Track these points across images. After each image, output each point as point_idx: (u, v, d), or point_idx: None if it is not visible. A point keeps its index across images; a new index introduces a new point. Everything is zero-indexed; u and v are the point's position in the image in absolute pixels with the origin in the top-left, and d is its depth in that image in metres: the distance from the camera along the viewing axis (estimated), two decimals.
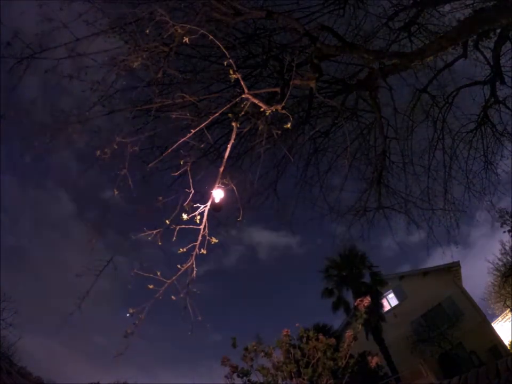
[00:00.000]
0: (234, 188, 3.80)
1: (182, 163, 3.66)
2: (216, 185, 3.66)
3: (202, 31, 3.41)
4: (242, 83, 3.32)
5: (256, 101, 3.51)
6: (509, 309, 23.99)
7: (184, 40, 3.50)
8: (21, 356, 20.65)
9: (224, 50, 3.34)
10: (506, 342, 20.40)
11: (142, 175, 5.24)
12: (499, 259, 24.09)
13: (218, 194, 3.63)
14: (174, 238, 3.53)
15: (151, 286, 3.37)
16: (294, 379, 4.79)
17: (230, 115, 4.04)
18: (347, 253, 22.86)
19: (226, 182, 3.71)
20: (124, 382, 24.54)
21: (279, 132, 4.34)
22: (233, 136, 3.74)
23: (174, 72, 4.36)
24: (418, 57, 5.19)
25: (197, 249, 3.65)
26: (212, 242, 3.63)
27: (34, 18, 3.94)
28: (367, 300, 4.73)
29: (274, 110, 3.54)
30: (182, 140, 3.64)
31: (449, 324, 21.08)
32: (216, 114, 3.81)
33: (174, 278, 3.56)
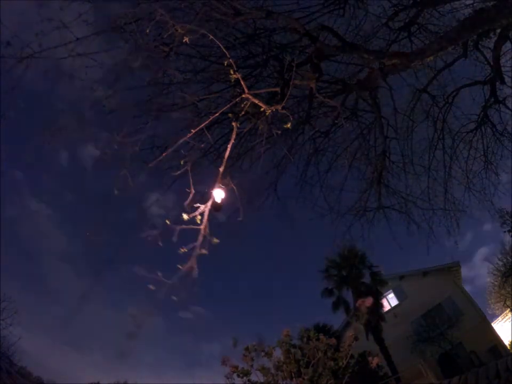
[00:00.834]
0: (234, 187, 3.80)
1: (182, 163, 3.66)
2: (216, 185, 3.66)
3: (202, 31, 3.41)
4: (242, 83, 3.32)
5: (256, 101, 3.51)
6: (509, 309, 23.99)
7: (184, 40, 3.50)
8: (21, 356, 20.66)
9: (224, 50, 3.34)
10: (506, 342, 20.40)
11: (142, 175, 5.24)
12: (499, 259, 24.13)
13: (218, 194, 3.63)
14: (174, 238, 3.53)
15: (151, 287, 3.36)
16: (294, 379, 4.80)
17: (230, 115, 4.04)
18: (347, 253, 22.85)
19: (227, 182, 3.71)
20: (124, 382, 24.56)
21: (279, 132, 4.35)
22: (233, 136, 3.73)
23: (174, 72, 4.36)
24: (418, 57, 5.19)
25: (197, 250, 3.65)
26: (213, 243, 3.62)
27: (35, 18, 3.94)
28: (369, 301, 4.73)
29: (274, 110, 3.55)
30: (182, 139, 3.64)
31: (449, 324, 21.07)
32: (216, 114, 3.81)
33: (174, 278, 3.55)
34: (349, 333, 4.79)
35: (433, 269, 23.15)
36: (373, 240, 8.75)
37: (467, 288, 23.32)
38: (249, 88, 3.79)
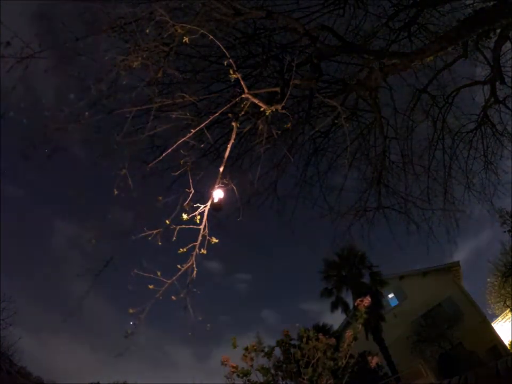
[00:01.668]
0: (234, 187, 3.80)
1: (182, 163, 3.66)
2: (216, 185, 3.66)
3: (202, 31, 3.41)
4: (242, 83, 3.33)
5: (256, 101, 3.52)
6: (509, 309, 23.99)
7: (184, 40, 3.50)
8: (21, 356, 20.66)
9: (224, 50, 3.34)
10: (506, 342, 20.40)
11: (142, 175, 5.23)
12: (499, 259, 24.13)
13: (218, 194, 3.63)
14: (174, 238, 3.53)
15: (151, 286, 3.37)
16: (294, 379, 4.79)
17: (230, 115, 4.04)
18: (346, 253, 22.87)
19: (226, 182, 3.71)
20: (124, 382, 24.57)
21: (279, 132, 4.35)
22: (233, 136, 3.74)
23: (174, 72, 4.36)
24: (418, 57, 5.19)
25: (197, 249, 3.65)
26: (212, 242, 3.63)
27: (35, 18, 3.94)
28: (367, 300, 4.73)
29: (274, 110, 3.55)
30: (182, 139, 3.64)
31: (449, 324, 21.07)
32: (216, 114, 3.81)
33: (174, 278, 3.56)
34: (348, 333, 4.78)
35: (433, 269, 23.15)
36: (373, 240, 8.76)
37: (467, 288, 23.31)
38: (249, 88, 3.79)
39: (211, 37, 3.35)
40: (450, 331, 20.50)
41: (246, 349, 4.96)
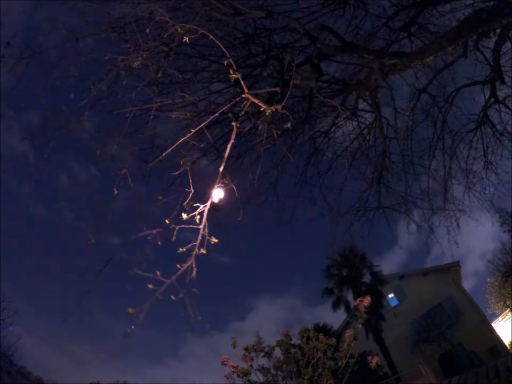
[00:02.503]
0: (234, 187, 3.80)
1: (182, 163, 3.66)
2: (216, 185, 3.66)
3: (202, 30, 3.41)
4: (242, 83, 3.33)
5: (256, 101, 3.52)
6: (509, 309, 23.98)
7: (184, 40, 3.50)
8: (21, 356, 20.65)
9: (224, 50, 3.34)
10: (506, 342, 20.38)
11: (142, 175, 5.23)
12: (499, 259, 24.11)
13: (218, 194, 3.63)
14: (174, 238, 3.53)
15: (150, 286, 3.37)
16: (294, 379, 4.80)
17: (230, 115, 4.04)
18: (347, 252, 22.87)
19: (226, 182, 3.71)
20: (124, 382, 24.58)
21: (279, 132, 4.35)
22: (233, 136, 3.73)
23: (174, 72, 4.36)
24: (418, 57, 5.19)
25: (196, 249, 3.65)
26: (212, 242, 3.63)
27: (34, 18, 3.94)
28: (367, 300, 4.73)
29: (274, 109, 3.55)
30: (182, 139, 3.64)
31: (449, 324, 21.07)
32: (216, 114, 3.81)
33: (173, 277, 3.56)
34: (348, 333, 4.79)
35: (433, 269, 23.14)
36: (373, 240, 8.75)
37: (467, 288, 23.31)
38: (249, 88, 3.79)
39: (211, 37, 3.35)
40: (450, 331, 20.48)
41: (246, 349, 4.97)
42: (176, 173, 3.98)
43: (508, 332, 21.87)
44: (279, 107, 3.56)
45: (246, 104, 3.60)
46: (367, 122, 7.90)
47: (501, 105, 7.71)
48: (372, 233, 8.56)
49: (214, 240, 3.59)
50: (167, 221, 3.48)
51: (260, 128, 4.05)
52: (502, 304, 24.69)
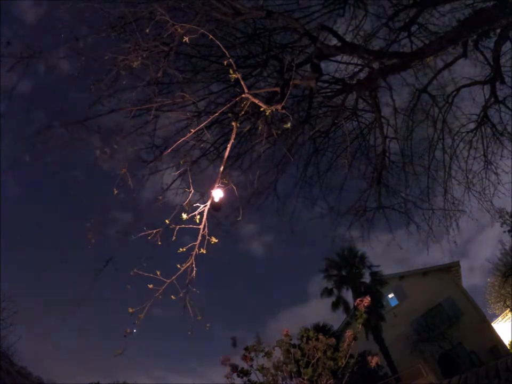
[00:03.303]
0: (234, 187, 3.80)
1: (182, 163, 3.66)
2: (216, 185, 3.66)
3: (202, 30, 3.41)
4: (242, 83, 3.33)
5: (256, 101, 3.52)
6: (509, 309, 23.98)
7: (184, 40, 3.50)
8: (21, 356, 20.65)
9: (224, 50, 3.34)
10: (506, 342, 20.38)
11: (142, 175, 5.23)
12: (499, 259, 24.12)
13: (218, 194, 3.63)
14: (174, 238, 3.53)
15: (150, 286, 3.37)
16: (294, 379, 4.79)
17: (230, 115, 4.05)
18: (347, 252, 22.89)
19: (226, 182, 3.71)
20: (124, 382, 24.58)
21: (279, 132, 4.35)
22: (233, 136, 3.73)
23: (174, 72, 4.36)
24: (418, 57, 5.19)
25: (196, 249, 3.65)
26: (212, 242, 3.63)
27: (35, 18, 3.94)
28: (367, 300, 4.72)
29: (274, 109, 3.54)
30: (182, 139, 3.64)
31: (449, 324, 21.08)
32: (216, 114, 3.81)
33: (173, 277, 3.56)
34: (348, 332, 4.78)
35: (433, 269, 23.15)
36: (373, 240, 8.76)
37: (467, 288, 23.31)
38: (249, 88, 3.79)
39: (211, 37, 3.35)
40: (450, 331, 20.49)
41: (246, 349, 4.96)
42: (176, 173, 3.99)
43: (508, 332, 21.87)
44: (279, 107, 3.55)
45: (246, 104, 3.60)
46: (367, 122, 7.90)
47: (501, 105, 7.70)
48: (372, 233, 8.57)
49: (214, 240, 3.59)
50: (167, 221, 3.48)
51: (259, 128, 4.05)
52: (502, 304, 24.70)
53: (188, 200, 3.50)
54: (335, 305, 22.25)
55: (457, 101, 7.90)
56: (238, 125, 3.65)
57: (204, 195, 3.71)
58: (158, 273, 3.34)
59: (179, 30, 3.51)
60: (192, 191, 3.54)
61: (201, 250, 3.61)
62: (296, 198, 8.11)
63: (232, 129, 3.77)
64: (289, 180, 8.03)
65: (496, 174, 8.10)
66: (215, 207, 3.61)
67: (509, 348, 19.93)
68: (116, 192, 3.52)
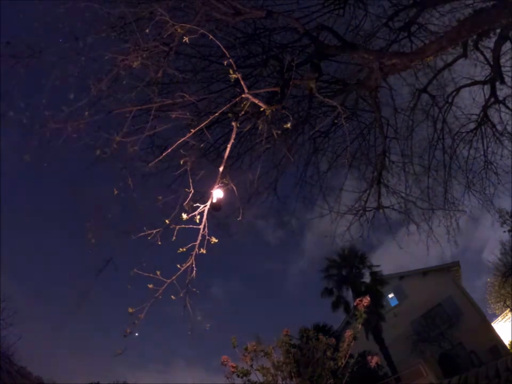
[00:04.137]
0: (234, 187, 3.80)
1: (182, 163, 3.66)
2: (216, 185, 3.66)
3: (202, 30, 3.41)
4: (242, 83, 3.33)
5: (256, 101, 3.52)
6: (509, 309, 23.98)
7: (184, 40, 3.51)
8: (21, 356, 20.64)
9: (224, 50, 3.35)
10: (506, 342, 20.38)
11: (142, 175, 5.22)
12: (499, 259, 24.11)
13: (218, 194, 3.63)
14: (174, 238, 3.53)
15: (150, 286, 3.37)
16: (294, 379, 4.79)
17: (230, 115, 4.04)
18: (347, 252, 22.88)
19: (226, 182, 3.71)
20: (124, 382, 24.59)
21: (279, 132, 4.34)
22: (233, 136, 3.73)
23: (174, 72, 4.36)
24: (418, 57, 5.19)
25: (196, 249, 3.66)
26: (212, 242, 3.63)
27: (34, 18, 3.94)
28: (366, 300, 4.73)
29: (274, 109, 3.55)
30: (182, 139, 3.64)
31: (449, 323, 21.07)
32: (216, 114, 3.81)
33: (173, 277, 3.56)
34: (348, 332, 4.78)
35: (433, 269, 23.15)
36: (373, 240, 8.76)
37: (467, 288, 23.30)
38: (249, 88, 3.79)
39: (211, 37, 3.35)
40: (450, 331, 20.49)
41: (246, 349, 4.97)
42: (176, 173, 3.99)
43: (508, 332, 21.86)
44: (279, 107, 3.56)
45: (246, 104, 3.60)
46: (367, 122, 7.90)
47: (501, 105, 7.71)
48: (372, 233, 8.57)
49: (214, 240, 3.59)
50: (167, 221, 3.48)
51: (259, 128, 4.04)
52: (502, 304, 24.70)
53: (188, 200, 3.50)
54: (335, 305, 22.25)
55: (457, 101, 7.92)
56: (238, 125, 3.65)
57: (204, 195, 3.71)
58: (158, 273, 3.35)
59: (179, 30, 3.51)
60: (192, 191, 3.54)
61: (201, 250, 3.62)
62: (296, 198, 8.12)
63: (232, 129, 3.77)
64: (289, 179, 8.04)
65: (496, 174, 8.11)
66: (215, 207, 3.61)
67: (509, 347, 19.93)
68: (116, 192, 3.52)
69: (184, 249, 3.55)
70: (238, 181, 4.34)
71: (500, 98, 7.62)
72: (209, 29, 4.26)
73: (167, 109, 4.32)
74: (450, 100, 7.85)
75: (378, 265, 22.76)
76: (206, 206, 3.59)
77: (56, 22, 3.95)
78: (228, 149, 3.83)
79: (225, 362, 4.83)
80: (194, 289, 3.66)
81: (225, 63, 3.28)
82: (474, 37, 6.66)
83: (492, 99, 7.65)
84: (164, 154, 3.93)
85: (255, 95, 3.56)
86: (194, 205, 3.52)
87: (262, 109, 3.56)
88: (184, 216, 3.41)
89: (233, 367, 4.81)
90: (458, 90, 7.80)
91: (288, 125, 3.60)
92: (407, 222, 8.43)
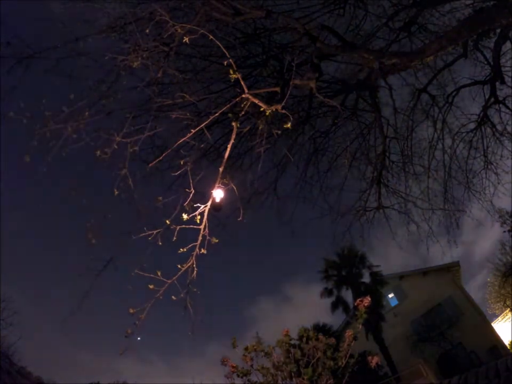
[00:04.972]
0: (234, 187, 3.80)
1: (182, 163, 3.66)
2: (216, 185, 3.66)
3: (202, 31, 3.41)
4: (242, 83, 3.33)
5: (256, 101, 3.52)
6: (509, 309, 23.99)
7: (184, 40, 3.51)
8: (21, 356, 20.65)
9: (224, 50, 3.35)
10: (506, 342, 20.39)
11: (142, 175, 5.22)
12: (499, 259, 24.13)
13: (218, 194, 3.64)
14: (174, 238, 3.53)
15: (151, 286, 3.37)
16: (294, 379, 4.80)
17: (230, 115, 4.05)
18: (346, 252, 22.88)
19: (226, 182, 3.71)
20: (124, 382, 24.58)
21: (279, 132, 4.35)
22: (233, 136, 3.73)
23: (174, 72, 4.35)
24: (418, 57, 5.19)
25: (197, 249, 3.66)
26: (212, 242, 3.63)
27: (35, 18, 3.94)
28: (367, 300, 4.73)
29: (274, 109, 3.55)
30: (182, 139, 3.64)
31: (449, 323, 21.07)
32: (216, 114, 3.81)
33: (174, 278, 3.56)
34: (348, 332, 4.78)
35: (433, 269, 23.15)
36: (373, 240, 8.77)
37: (467, 288, 23.32)
38: (249, 88, 3.79)
39: (211, 37, 3.35)
40: (450, 331, 20.49)
41: (246, 349, 4.97)
42: (177, 173, 3.99)
43: (508, 332, 21.88)
44: (279, 107, 3.56)
45: (246, 104, 3.60)
46: (367, 122, 7.90)
47: (501, 105, 7.71)
48: (372, 233, 8.58)
49: (215, 240, 3.59)
50: (167, 221, 3.48)
51: (259, 128, 4.04)
52: (502, 304, 24.71)
53: (188, 200, 3.50)
54: (334, 306, 22.25)
55: (457, 101, 7.92)
56: (238, 125, 3.65)
57: (205, 195, 3.71)
58: (159, 273, 3.34)
59: (179, 30, 3.52)
60: (193, 191, 3.54)
61: (202, 250, 3.62)
62: (296, 198, 8.11)
63: (232, 130, 3.77)
64: (289, 179, 8.03)
65: (496, 174, 8.11)
66: (215, 207, 3.61)
67: (509, 347, 19.93)
68: (116, 192, 3.52)
69: (185, 250, 3.55)
70: (238, 181, 4.34)
71: (500, 98, 7.62)
72: (209, 29, 4.25)
73: (167, 109, 4.32)
74: (450, 100, 7.85)
75: (378, 265, 22.78)
76: (206, 206, 3.59)
77: (56, 22, 3.95)
78: (228, 149, 3.83)
79: (225, 362, 4.83)
80: (195, 289, 3.66)
81: (225, 63, 3.28)
82: (474, 37, 6.66)
83: (492, 99, 7.65)
84: (164, 154, 3.93)
85: (255, 95, 3.56)
86: (195, 205, 3.52)
87: (262, 109, 3.56)
88: (185, 216, 3.42)
89: (233, 367, 4.81)
90: (458, 90, 7.80)
91: (288, 125, 3.60)
92: (407, 222, 8.44)
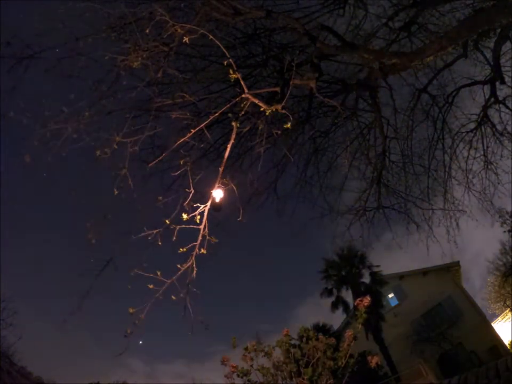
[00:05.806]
0: (234, 187, 3.80)
1: (182, 163, 3.66)
2: (216, 185, 3.66)
3: (202, 31, 3.41)
4: (242, 83, 3.33)
5: (256, 101, 3.52)
6: (509, 309, 23.99)
7: (184, 40, 3.51)
8: (21, 356, 20.64)
9: (224, 50, 3.35)
10: (506, 342, 20.39)
11: (142, 175, 5.23)
12: (499, 259, 24.14)
13: (218, 194, 3.64)
14: (174, 238, 3.54)
15: (151, 286, 3.37)
16: (294, 379, 4.79)
17: (230, 115, 4.05)
18: (346, 252, 22.89)
19: (226, 182, 3.71)
20: (123, 382, 24.59)
21: (279, 132, 4.35)
22: (233, 136, 3.74)
23: (174, 72, 4.36)
24: (418, 57, 5.19)
25: (197, 249, 3.66)
26: (212, 242, 3.63)
27: (35, 18, 3.94)
28: (366, 300, 4.72)
29: (274, 109, 3.55)
30: (182, 139, 3.64)
31: (449, 323, 21.08)
32: (216, 114, 3.81)
33: (174, 278, 3.56)
34: (348, 332, 4.78)
35: (433, 269, 23.15)
36: (373, 240, 8.77)
37: (467, 288, 23.33)
38: (249, 88, 3.79)
39: (211, 37, 3.35)
40: (450, 331, 20.50)
41: (246, 348, 4.96)
42: (176, 173, 3.99)
43: (508, 332, 21.87)
44: (279, 107, 3.56)
45: (246, 104, 3.60)
46: (367, 122, 7.90)
47: (501, 105, 7.71)
48: (372, 233, 8.57)
49: (215, 240, 3.59)
50: (167, 221, 3.48)
51: (259, 128, 4.04)
52: (502, 304, 24.72)
53: (188, 200, 3.50)
54: (334, 305, 22.26)
55: (457, 101, 7.92)
56: (238, 125, 3.65)
57: (204, 195, 3.71)
58: (159, 273, 3.35)
59: (179, 30, 3.52)
60: (193, 191, 3.54)
61: (202, 250, 3.62)
62: (296, 198, 8.11)
63: (232, 130, 3.77)
64: (289, 179, 8.03)
65: (496, 174, 8.11)
66: (215, 207, 3.61)
67: (509, 347, 19.93)
68: (116, 192, 3.52)
69: (185, 249, 3.55)
70: (238, 181, 4.34)
71: (500, 98, 7.62)
72: (209, 29, 4.26)
73: (167, 109, 4.32)
74: (450, 100, 7.85)
75: (378, 265, 22.79)
76: (206, 206, 3.59)
77: (56, 22, 3.95)
78: (228, 149, 3.83)
79: (226, 362, 4.82)
80: (194, 289, 3.66)
81: (225, 63, 3.29)
82: (474, 37, 6.67)
83: (492, 99, 7.65)
84: (164, 154, 3.93)
85: (255, 95, 3.57)
86: (195, 205, 3.52)
87: (262, 109, 3.57)
88: (185, 216, 3.42)
89: (233, 367, 4.81)
90: (458, 90, 7.81)
91: (288, 125, 3.60)
92: (407, 222, 8.44)
